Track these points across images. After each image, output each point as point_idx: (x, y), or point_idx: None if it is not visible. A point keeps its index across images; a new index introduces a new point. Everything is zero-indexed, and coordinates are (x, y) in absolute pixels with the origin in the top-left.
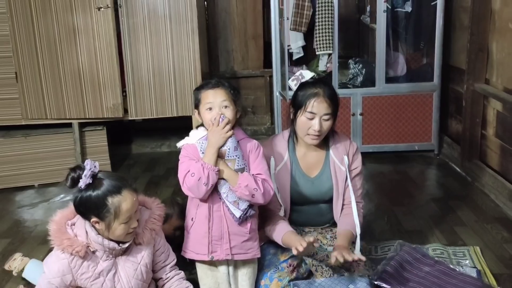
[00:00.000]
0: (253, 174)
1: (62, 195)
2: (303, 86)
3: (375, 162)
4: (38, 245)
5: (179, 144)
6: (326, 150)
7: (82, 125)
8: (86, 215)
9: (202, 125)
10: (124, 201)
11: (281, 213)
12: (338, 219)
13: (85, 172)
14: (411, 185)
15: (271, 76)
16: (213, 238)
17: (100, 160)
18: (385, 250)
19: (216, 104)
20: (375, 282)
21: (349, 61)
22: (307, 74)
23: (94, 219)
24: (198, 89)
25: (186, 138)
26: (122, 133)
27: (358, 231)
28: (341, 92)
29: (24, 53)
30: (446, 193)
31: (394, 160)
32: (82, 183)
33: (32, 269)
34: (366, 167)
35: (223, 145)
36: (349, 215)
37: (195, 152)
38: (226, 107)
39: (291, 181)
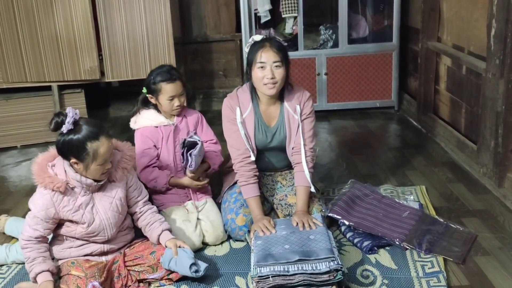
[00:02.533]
0: (206, 141)
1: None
2: (252, 45)
3: (339, 118)
4: (24, 197)
5: (136, 126)
6: (281, 102)
7: (61, 88)
8: (66, 156)
9: (147, 101)
10: (101, 146)
11: (252, 157)
12: (292, 163)
13: (67, 119)
14: (371, 137)
15: (241, 40)
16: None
17: None
18: (341, 191)
19: (176, 95)
20: (328, 214)
21: (320, 27)
22: (257, 37)
23: (73, 160)
24: (157, 80)
25: (140, 119)
26: (100, 97)
27: (312, 188)
28: (306, 53)
29: (3, 20)
30: (402, 143)
31: (357, 117)
32: (64, 128)
33: (12, 224)
34: (330, 123)
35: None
36: (302, 172)
37: (155, 134)
38: (182, 95)
39: (255, 129)
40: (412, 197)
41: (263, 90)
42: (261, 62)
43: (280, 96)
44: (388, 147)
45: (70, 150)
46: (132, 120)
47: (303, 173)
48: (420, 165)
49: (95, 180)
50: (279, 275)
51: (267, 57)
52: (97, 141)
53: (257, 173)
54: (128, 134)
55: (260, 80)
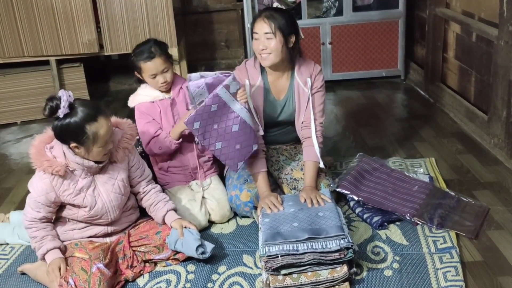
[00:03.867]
0: None
1: (44, 131)
2: (255, 16)
3: (345, 89)
4: (25, 175)
5: (132, 103)
6: (291, 74)
7: (59, 63)
8: (66, 141)
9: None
10: (101, 127)
11: (261, 132)
12: (301, 137)
13: (62, 103)
14: (377, 108)
15: (242, 9)
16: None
17: (80, 97)
18: (349, 165)
19: (158, 73)
20: (337, 189)
21: None
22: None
23: (73, 144)
24: (136, 60)
25: (137, 96)
26: (100, 71)
27: (321, 164)
28: (310, 22)
29: None
30: (409, 114)
31: (362, 87)
32: (60, 113)
33: (15, 216)
34: (336, 94)
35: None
36: (311, 147)
37: (151, 110)
38: (165, 71)
39: (264, 102)
40: (421, 170)
41: (260, 60)
42: (255, 33)
43: (290, 68)
44: (396, 118)
45: (69, 135)
46: (130, 98)
47: (312, 147)
48: (429, 136)
49: (96, 162)
50: (288, 254)
51: (259, 28)
52: (96, 122)
53: (264, 148)
54: (129, 109)
55: (256, 50)
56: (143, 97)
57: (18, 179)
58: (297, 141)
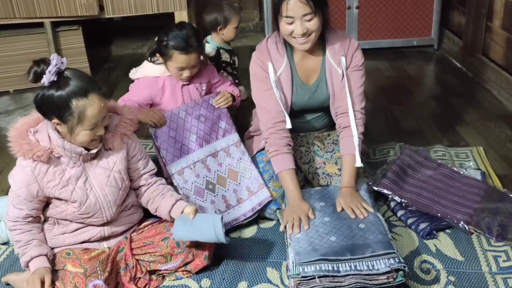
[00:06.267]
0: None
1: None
2: None
3: (372, 58)
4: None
5: (135, 76)
6: (323, 53)
7: (55, 25)
8: (47, 115)
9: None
10: (90, 105)
11: (288, 125)
12: (337, 126)
13: (49, 68)
14: (409, 82)
15: None
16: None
17: (78, 63)
18: (384, 153)
19: (188, 67)
20: (375, 188)
21: None
22: None
23: (55, 120)
24: (170, 45)
25: (143, 69)
26: (100, 34)
27: (358, 163)
28: None
29: None
30: (446, 90)
31: (391, 57)
32: (45, 80)
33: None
34: None
35: None
36: (350, 137)
37: (152, 85)
38: (194, 66)
39: (292, 89)
40: (471, 164)
41: (295, 45)
42: (287, 17)
43: (321, 44)
44: (431, 95)
45: (51, 108)
46: (133, 70)
47: (351, 139)
48: (472, 119)
49: (86, 149)
50: (327, 276)
51: (295, 10)
52: (85, 98)
53: (292, 143)
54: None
55: (289, 34)
56: (149, 70)
57: (9, 159)
58: (331, 127)
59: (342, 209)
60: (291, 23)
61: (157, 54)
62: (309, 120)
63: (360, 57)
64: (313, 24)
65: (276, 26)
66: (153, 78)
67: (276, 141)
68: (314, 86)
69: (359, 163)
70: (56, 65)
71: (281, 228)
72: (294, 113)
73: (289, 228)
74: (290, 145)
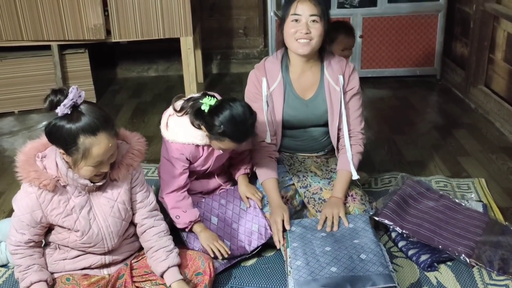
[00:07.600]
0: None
1: (44, 123)
2: None
3: (374, 87)
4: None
5: (169, 136)
6: (321, 70)
7: (62, 48)
8: (53, 143)
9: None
10: (97, 144)
11: (268, 139)
12: (336, 144)
13: (65, 101)
14: (411, 112)
15: None
16: None
17: (83, 85)
18: (386, 183)
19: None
20: (376, 219)
21: None
22: None
23: (61, 150)
24: (226, 133)
25: (176, 129)
26: (106, 56)
27: (354, 175)
28: (340, 12)
29: None
30: (448, 121)
31: (394, 86)
32: (59, 111)
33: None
34: (365, 93)
35: None
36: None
37: (194, 153)
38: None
39: (284, 103)
40: (473, 195)
41: (295, 47)
42: (295, 14)
43: (318, 63)
44: (434, 125)
45: (58, 139)
46: (163, 121)
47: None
48: (474, 150)
49: (91, 180)
50: None
51: (304, 9)
52: (93, 136)
53: (276, 155)
54: (138, 100)
55: (292, 35)
56: (190, 138)
57: (11, 180)
58: (328, 151)
59: (325, 221)
60: (297, 21)
61: (202, 125)
62: (307, 139)
63: (357, 79)
64: (317, 28)
65: (280, 33)
66: (194, 148)
67: (258, 153)
68: (311, 101)
69: (355, 176)
70: (72, 99)
71: (277, 244)
72: (291, 128)
73: (279, 232)
74: (271, 157)
